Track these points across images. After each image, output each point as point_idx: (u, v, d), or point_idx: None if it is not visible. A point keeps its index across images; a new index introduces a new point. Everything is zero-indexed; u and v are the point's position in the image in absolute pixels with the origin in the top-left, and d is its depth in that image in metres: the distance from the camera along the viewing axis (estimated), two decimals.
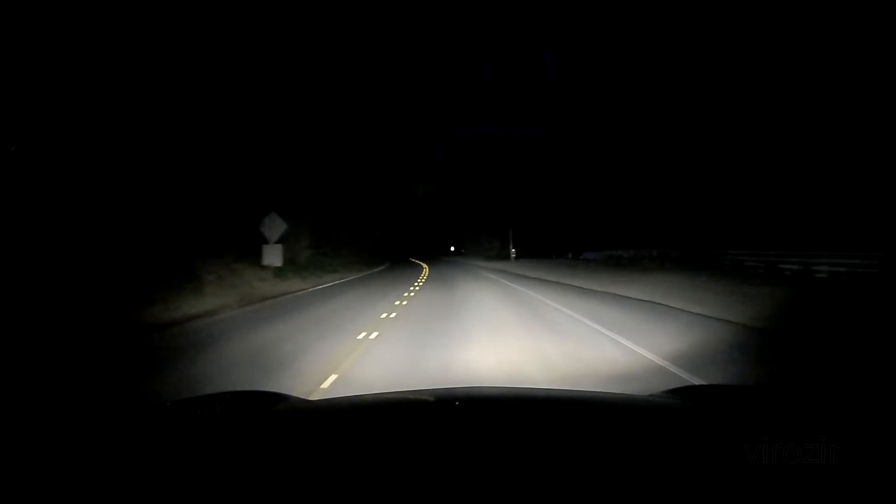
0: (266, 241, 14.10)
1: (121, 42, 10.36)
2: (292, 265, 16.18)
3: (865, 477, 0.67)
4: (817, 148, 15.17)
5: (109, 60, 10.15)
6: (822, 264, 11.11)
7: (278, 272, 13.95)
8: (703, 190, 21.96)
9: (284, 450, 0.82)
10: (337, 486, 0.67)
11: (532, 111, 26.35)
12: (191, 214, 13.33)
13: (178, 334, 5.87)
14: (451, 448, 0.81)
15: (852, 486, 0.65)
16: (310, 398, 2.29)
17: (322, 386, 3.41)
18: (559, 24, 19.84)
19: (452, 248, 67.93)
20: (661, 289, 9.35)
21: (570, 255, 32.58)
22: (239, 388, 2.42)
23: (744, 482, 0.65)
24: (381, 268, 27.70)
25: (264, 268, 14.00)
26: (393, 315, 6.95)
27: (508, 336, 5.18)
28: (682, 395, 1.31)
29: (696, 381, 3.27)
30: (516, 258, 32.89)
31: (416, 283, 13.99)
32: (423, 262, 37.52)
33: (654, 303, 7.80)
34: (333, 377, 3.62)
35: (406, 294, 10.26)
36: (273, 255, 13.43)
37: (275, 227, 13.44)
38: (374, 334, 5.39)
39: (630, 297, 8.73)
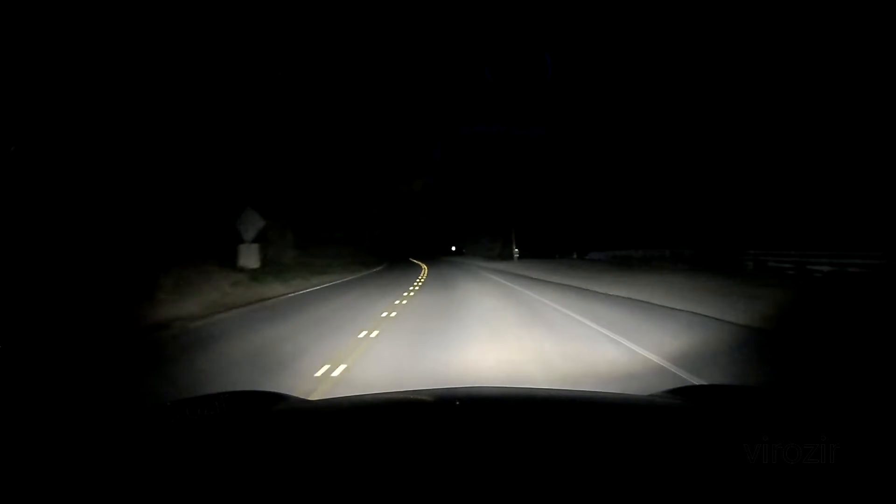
0: (242, 241, 12.65)
1: (97, 37, 9.58)
2: (275, 266, 14.68)
3: (865, 477, 0.66)
4: (850, 138, 14.28)
5: (89, 56, 9.46)
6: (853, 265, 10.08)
7: (255, 275, 12.47)
8: (719, 186, 21.07)
9: (284, 450, 0.82)
10: (337, 486, 0.67)
11: (532, 111, 26.15)
12: (158, 214, 11.84)
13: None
14: (452, 448, 0.81)
15: (852, 486, 0.64)
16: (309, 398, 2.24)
17: None
18: (559, 24, 19.50)
19: (453, 248, 67.35)
20: (686, 294, 8.10)
21: (575, 255, 31.83)
22: None
23: (744, 482, 0.65)
24: (378, 269, 26.18)
25: (241, 270, 12.53)
26: (374, 334, 5.46)
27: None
28: (683, 395, 1.29)
29: None
30: (519, 258, 31.88)
31: (414, 285, 13.08)
32: (423, 262, 36.65)
33: (677, 310, 6.81)
34: None
35: (397, 303, 8.76)
36: (249, 256, 11.98)
37: (251, 224, 11.98)
38: (340, 369, 3.89)
39: (652, 304, 7.67)
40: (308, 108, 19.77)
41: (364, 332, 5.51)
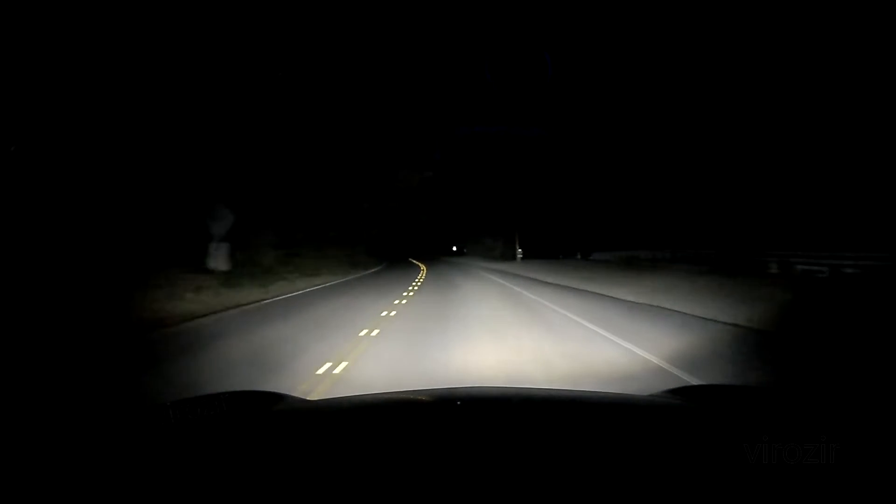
0: (213, 240, 11.15)
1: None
2: (257, 269, 13.17)
3: (865, 477, 0.66)
4: (885, 131, 13.38)
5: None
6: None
7: (230, 279, 10.95)
8: (736, 183, 20.15)
9: (284, 450, 0.82)
10: (337, 486, 0.66)
11: (532, 111, 25.79)
12: (116, 213, 10.35)
13: None
14: (453, 448, 0.81)
15: (852, 486, 0.64)
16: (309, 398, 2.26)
17: None
18: (559, 24, 19.37)
19: (454, 249, 66.77)
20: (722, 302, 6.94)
21: (579, 256, 31.10)
22: None
23: (744, 482, 0.65)
24: (374, 270, 24.67)
25: (212, 273, 11.02)
26: (342, 364, 3.95)
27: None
28: (683, 394, 1.28)
29: None
30: (522, 259, 30.61)
31: (410, 287, 12.26)
32: (423, 263, 35.56)
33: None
34: None
35: (384, 314, 7.25)
36: (218, 257, 10.49)
37: (220, 220, 10.49)
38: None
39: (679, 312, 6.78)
40: (303, 104, 19.35)
41: (327, 366, 3.99)
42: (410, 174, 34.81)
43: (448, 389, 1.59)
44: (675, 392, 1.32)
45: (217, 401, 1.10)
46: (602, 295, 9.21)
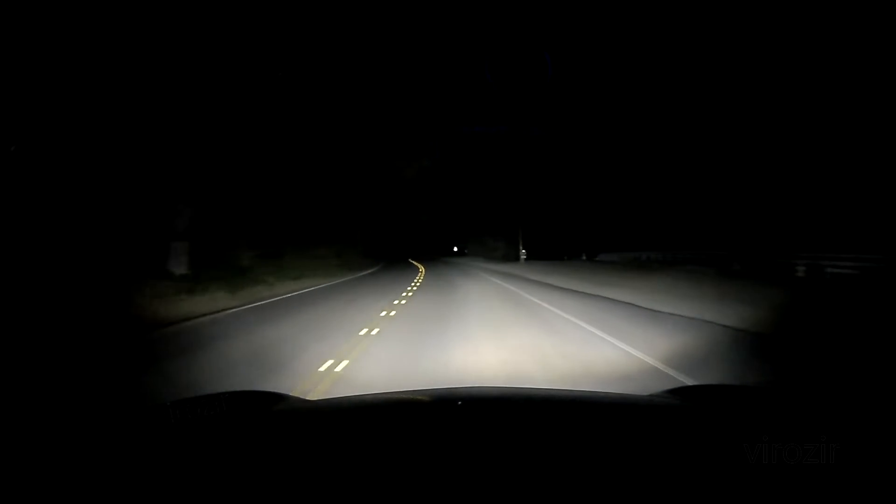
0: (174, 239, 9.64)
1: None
2: (231, 271, 11.66)
3: (865, 477, 0.66)
4: None
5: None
6: None
7: (193, 283, 9.43)
8: (753, 180, 19.34)
9: (284, 450, 0.82)
10: (337, 486, 0.66)
11: (533, 111, 25.55)
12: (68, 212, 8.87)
13: None
14: (453, 448, 0.80)
15: (852, 486, 0.64)
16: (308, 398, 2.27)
17: None
18: (559, 24, 19.39)
19: (455, 249, 66.17)
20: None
21: (584, 257, 30.19)
22: None
23: (744, 482, 0.65)
24: (369, 272, 23.09)
25: (172, 276, 9.50)
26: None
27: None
28: (683, 394, 1.28)
29: None
30: (526, 260, 29.10)
31: (406, 290, 11.42)
32: (422, 263, 34.31)
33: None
34: None
35: (365, 332, 5.73)
36: (176, 259, 8.99)
37: (180, 214, 8.99)
38: None
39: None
40: (294, 97, 18.13)
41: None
42: (408, 165, 33.61)
43: (448, 389, 1.58)
44: (674, 392, 1.31)
45: (217, 401, 1.09)
46: (631, 304, 7.69)
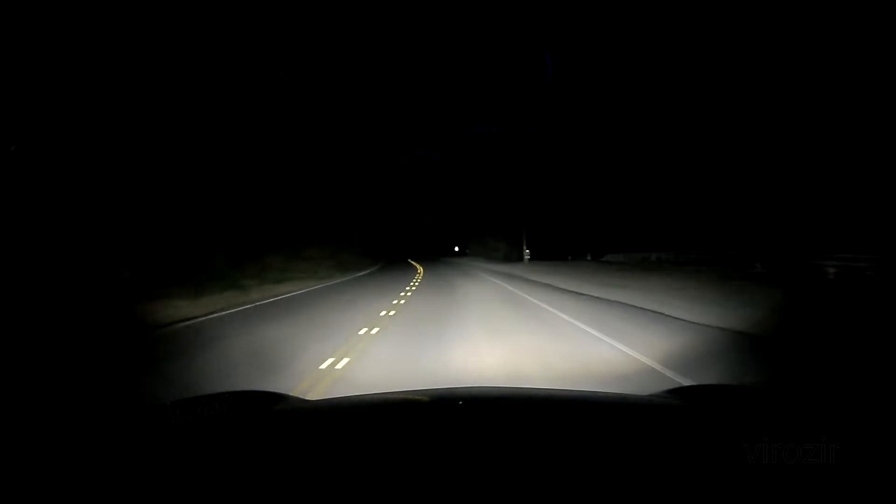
0: None
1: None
2: (205, 274, 10.36)
3: (865, 477, 0.66)
4: None
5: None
6: None
7: (154, 289, 8.10)
8: (754, 181, 19.02)
9: (285, 450, 0.81)
10: (337, 486, 0.66)
11: (533, 111, 25.61)
12: None
13: None
14: (453, 448, 0.79)
15: (852, 486, 0.64)
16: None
17: None
18: (559, 24, 19.11)
19: (456, 249, 65.21)
20: None
21: (589, 257, 29.57)
22: None
23: (744, 482, 0.65)
24: (363, 273, 21.77)
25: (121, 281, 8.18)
26: None
27: None
28: (683, 394, 1.28)
29: None
30: (530, 260, 27.90)
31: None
32: (421, 264, 33.29)
33: None
34: None
35: (338, 352, 4.38)
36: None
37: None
38: None
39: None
40: (294, 98, 17.81)
41: None
42: (408, 164, 32.98)
43: (448, 389, 1.56)
44: (674, 392, 1.30)
45: (217, 401, 1.08)
46: (662, 314, 6.37)
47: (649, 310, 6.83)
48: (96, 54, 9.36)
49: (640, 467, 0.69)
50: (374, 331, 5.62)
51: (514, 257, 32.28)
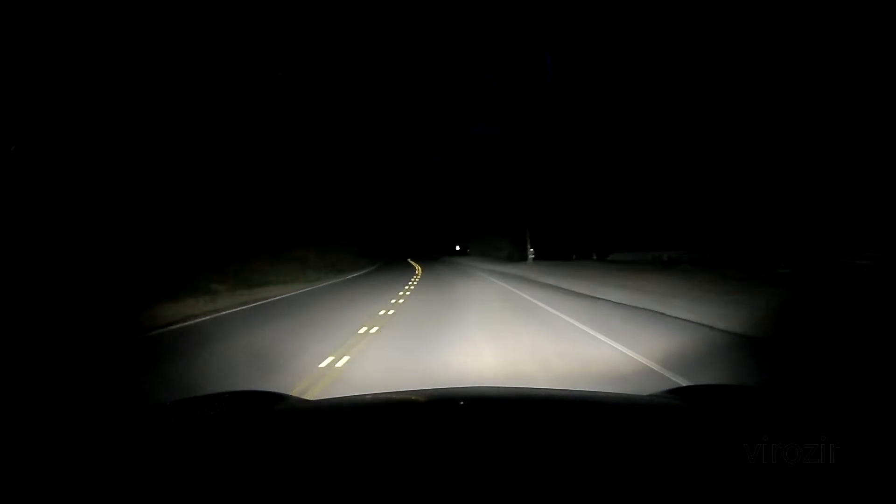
0: None
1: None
2: (168, 279, 9.10)
3: (865, 477, 0.65)
4: None
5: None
6: None
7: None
8: (765, 178, 18.34)
9: (285, 450, 0.81)
10: (337, 485, 0.65)
11: (533, 111, 25.56)
12: None
13: None
14: (453, 448, 0.79)
15: (852, 486, 0.63)
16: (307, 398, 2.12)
17: None
18: (559, 24, 18.63)
19: (457, 248, 64.38)
20: None
21: (594, 257, 28.99)
22: None
23: (744, 482, 0.64)
24: (356, 274, 20.48)
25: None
26: None
27: None
28: (683, 394, 1.26)
29: None
30: (535, 260, 26.71)
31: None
32: (420, 264, 32.51)
33: None
34: None
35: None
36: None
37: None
38: None
39: None
40: (293, 98, 16.86)
41: None
42: (408, 164, 32.24)
43: (448, 389, 1.53)
44: (674, 392, 1.29)
45: (218, 400, 1.08)
46: (699, 325, 5.08)
47: (703, 324, 5.48)
48: (96, 54, 9.44)
49: (640, 467, 0.69)
50: (345, 359, 4.30)
51: (515, 257, 31.28)
